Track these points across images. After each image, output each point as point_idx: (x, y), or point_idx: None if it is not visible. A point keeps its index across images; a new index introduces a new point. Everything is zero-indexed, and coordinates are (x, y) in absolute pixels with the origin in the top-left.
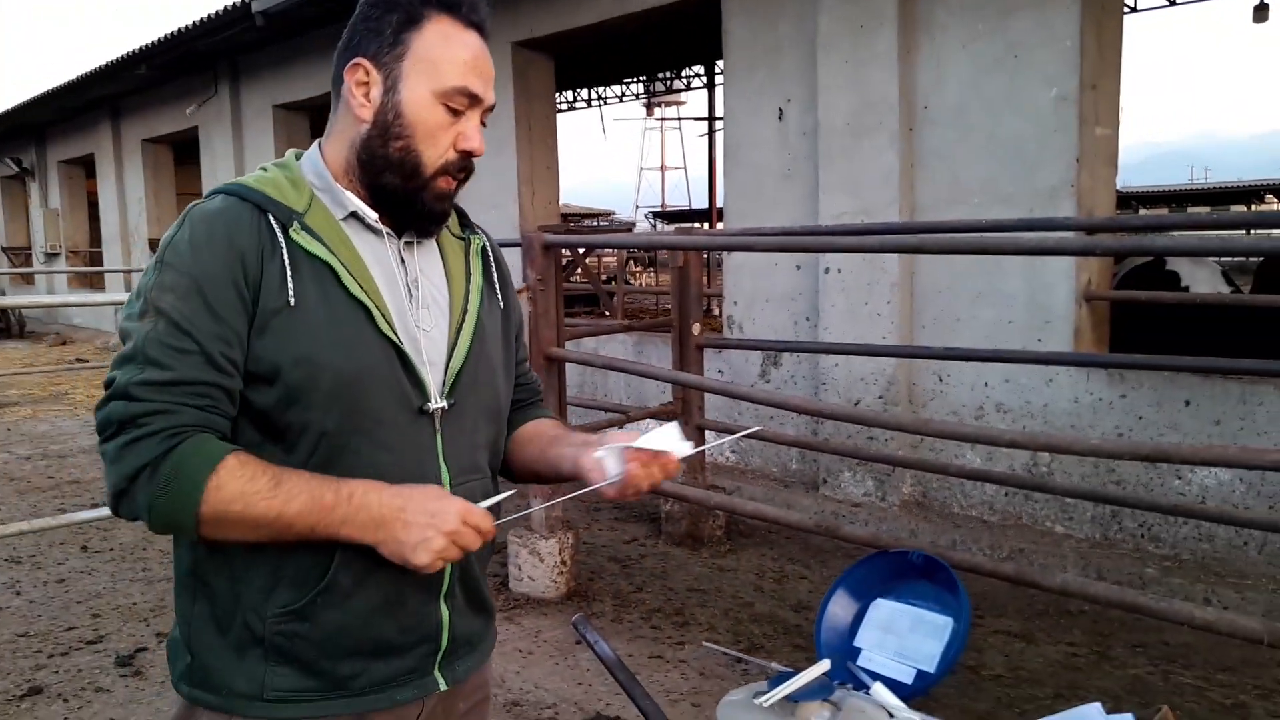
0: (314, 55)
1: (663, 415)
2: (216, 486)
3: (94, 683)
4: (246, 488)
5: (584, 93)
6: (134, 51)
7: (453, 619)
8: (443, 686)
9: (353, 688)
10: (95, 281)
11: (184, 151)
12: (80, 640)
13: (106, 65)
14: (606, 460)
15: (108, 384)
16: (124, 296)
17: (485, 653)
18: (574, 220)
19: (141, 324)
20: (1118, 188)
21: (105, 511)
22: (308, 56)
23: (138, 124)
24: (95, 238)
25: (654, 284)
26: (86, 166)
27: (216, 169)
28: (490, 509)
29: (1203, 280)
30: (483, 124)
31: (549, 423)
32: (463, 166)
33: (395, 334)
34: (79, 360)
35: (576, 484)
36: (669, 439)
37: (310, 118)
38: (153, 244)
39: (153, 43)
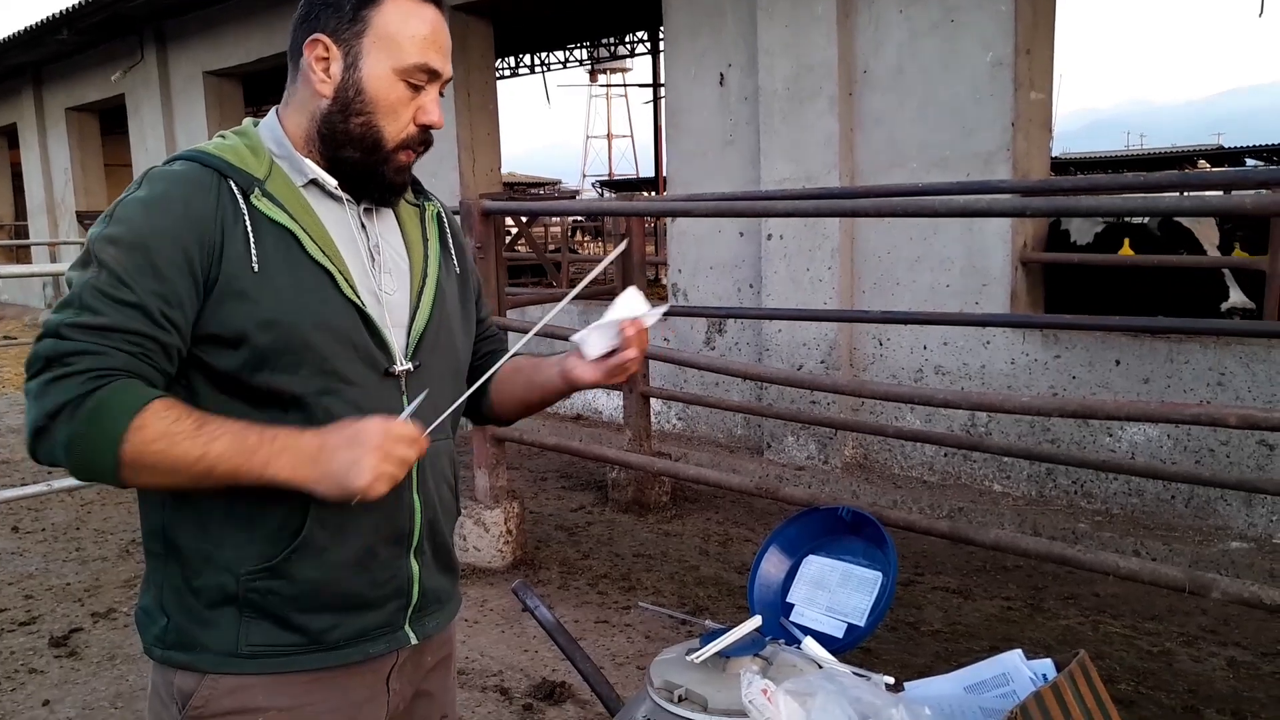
0: (245, 20)
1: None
2: (139, 427)
3: (27, 664)
4: (170, 428)
5: (526, 59)
6: (55, 15)
7: (422, 574)
8: (413, 641)
9: (326, 641)
10: (21, 255)
11: (112, 120)
12: (12, 622)
13: (26, 30)
14: (585, 346)
15: (43, 325)
16: (52, 269)
17: (452, 611)
18: (519, 189)
19: (84, 272)
20: (1056, 154)
21: (36, 489)
22: (239, 22)
23: (61, 92)
24: (21, 210)
25: (602, 253)
26: (9, 136)
27: (145, 138)
28: (413, 417)
29: (1086, 232)
30: (440, 95)
31: (521, 358)
32: (422, 140)
33: (359, 297)
34: (6, 338)
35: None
36: (633, 305)
37: (243, 85)
38: (80, 215)
39: (74, 6)
